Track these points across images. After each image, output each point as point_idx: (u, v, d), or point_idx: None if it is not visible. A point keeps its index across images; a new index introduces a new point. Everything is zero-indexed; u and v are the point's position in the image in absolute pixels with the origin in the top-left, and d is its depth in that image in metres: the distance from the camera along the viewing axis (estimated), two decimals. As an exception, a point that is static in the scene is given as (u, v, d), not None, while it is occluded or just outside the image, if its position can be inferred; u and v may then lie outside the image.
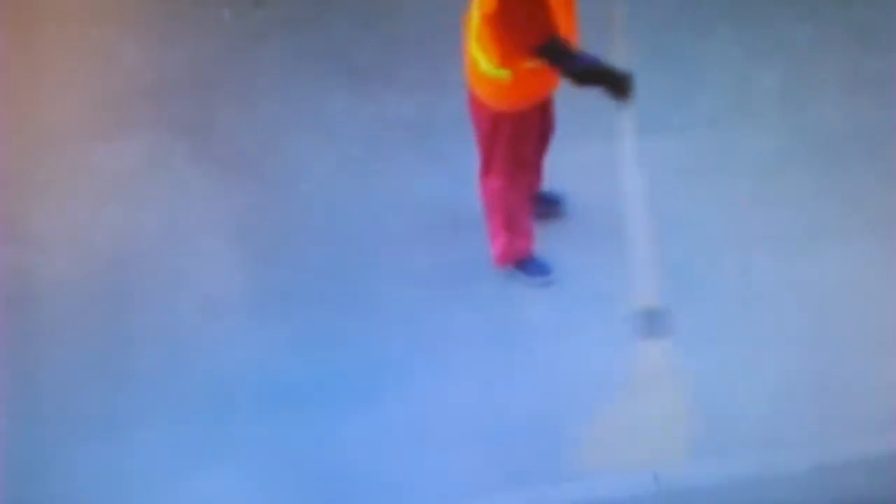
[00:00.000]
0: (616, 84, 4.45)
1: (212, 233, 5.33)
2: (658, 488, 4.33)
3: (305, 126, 5.85)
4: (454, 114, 5.82)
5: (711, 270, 5.05)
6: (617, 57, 4.50)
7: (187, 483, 4.40)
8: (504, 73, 4.60)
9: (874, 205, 5.26)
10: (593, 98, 4.53)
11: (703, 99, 5.81)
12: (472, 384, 4.67)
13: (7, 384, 4.68)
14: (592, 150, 5.18)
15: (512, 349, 4.79)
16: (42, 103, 6.00)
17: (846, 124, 5.65)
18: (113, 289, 5.11)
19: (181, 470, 4.43)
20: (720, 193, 5.40)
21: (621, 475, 4.35)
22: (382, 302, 5.02)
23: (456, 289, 5.04)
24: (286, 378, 4.72)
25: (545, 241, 5.12)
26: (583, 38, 4.65)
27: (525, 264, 5.06)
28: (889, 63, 5.91)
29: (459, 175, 5.53)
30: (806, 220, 5.25)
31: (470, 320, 4.90)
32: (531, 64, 4.53)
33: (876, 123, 5.63)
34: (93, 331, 4.94)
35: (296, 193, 5.52)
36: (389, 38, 6.28)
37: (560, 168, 5.21)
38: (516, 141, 4.78)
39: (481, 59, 4.65)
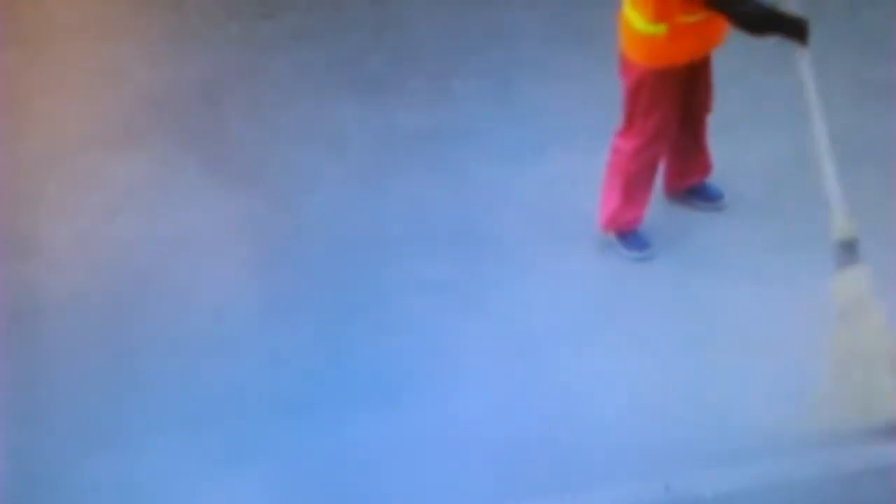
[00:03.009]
0: (794, 28, 4.43)
1: (221, 244, 5.35)
2: (669, 498, 4.33)
3: (314, 137, 5.87)
4: (463, 125, 5.87)
5: (718, 274, 5.06)
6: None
7: (198, 493, 4.39)
8: (660, 29, 4.68)
9: (881, 211, 5.26)
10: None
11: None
12: (480, 394, 4.67)
13: (17, 395, 4.70)
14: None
15: (520, 359, 4.79)
16: (52, 117, 6.03)
17: (853, 131, 5.64)
18: (123, 299, 5.12)
19: (191, 480, 4.43)
20: (726, 198, 5.40)
21: (632, 484, 4.35)
22: (391, 312, 5.03)
23: (464, 299, 5.04)
24: (295, 388, 4.73)
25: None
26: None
27: (627, 236, 5.11)
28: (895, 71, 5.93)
29: (468, 186, 5.56)
30: (812, 225, 5.23)
31: (478, 330, 4.91)
32: (689, 18, 4.62)
33: (882, 131, 5.64)
34: (103, 341, 4.95)
35: (305, 204, 5.53)
36: (398, 49, 6.30)
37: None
38: (658, 100, 4.83)
39: (636, 19, 4.73)
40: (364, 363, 4.82)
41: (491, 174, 5.60)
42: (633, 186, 5.04)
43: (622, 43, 4.87)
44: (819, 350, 4.55)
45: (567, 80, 6.03)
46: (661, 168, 5.22)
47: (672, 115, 4.95)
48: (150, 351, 4.90)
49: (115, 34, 6.54)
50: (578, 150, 5.50)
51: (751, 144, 5.67)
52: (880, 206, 5.27)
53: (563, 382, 4.69)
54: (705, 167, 5.33)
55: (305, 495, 4.39)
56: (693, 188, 5.35)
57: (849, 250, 4.47)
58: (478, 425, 4.56)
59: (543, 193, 5.48)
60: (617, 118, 5.01)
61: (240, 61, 6.33)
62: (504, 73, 6.14)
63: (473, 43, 6.36)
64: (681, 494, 4.34)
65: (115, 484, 4.44)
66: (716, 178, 5.41)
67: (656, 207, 5.28)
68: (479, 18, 6.52)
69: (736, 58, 5.82)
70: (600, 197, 5.15)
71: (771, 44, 4.89)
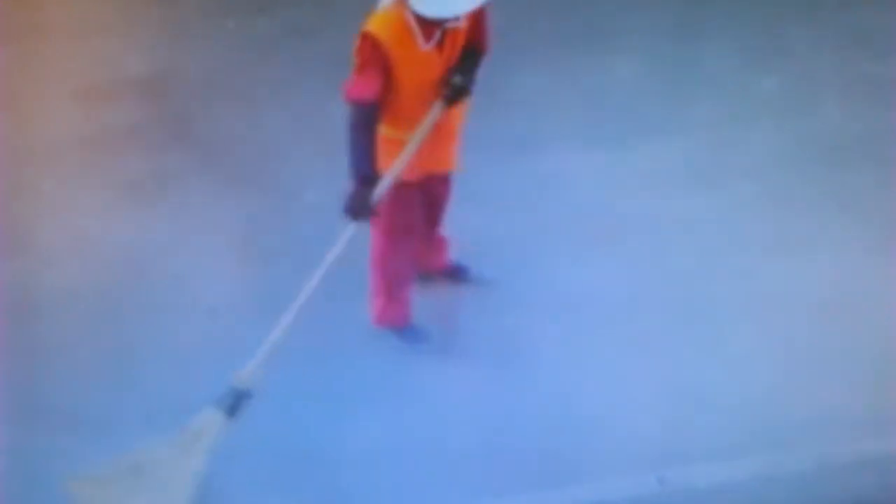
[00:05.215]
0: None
1: (217, 240, 5.36)
2: (662, 490, 4.36)
3: (311, 133, 5.87)
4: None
5: (712, 273, 5.08)
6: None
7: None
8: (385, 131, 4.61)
9: (873, 208, 5.29)
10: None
11: (703, 103, 5.83)
12: (475, 388, 4.69)
13: (13, 392, 4.71)
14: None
15: (515, 356, 4.81)
16: (48, 114, 6.04)
17: (845, 128, 5.68)
18: (119, 296, 5.14)
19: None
20: (720, 197, 5.43)
21: (625, 477, 4.38)
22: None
23: (459, 297, 5.06)
24: (288, 386, 4.72)
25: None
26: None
27: (402, 332, 4.95)
28: (887, 67, 5.95)
29: (461, 182, 5.56)
30: (805, 223, 5.27)
31: (473, 328, 4.93)
32: (392, 132, 4.56)
33: (875, 127, 5.66)
34: (99, 338, 4.96)
35: (301, 201, 5.54)
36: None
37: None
38: (398, 209, 4.68)
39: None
40: (358, 361, 4.84)
41: (483, 170, 5.60)
42: (393, 286, 4.87)
43: None
44: (812, 345, 4.59)
45: (558, 77, 6.05)
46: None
47: (416, 217, 4.81)
48: (146, 348, 4.91)
49: (111, 30, 6.55)
50: (573, 146, 5.51)
51: (737, 140, 5.68)
52: (873, 202, 5.30)
53: (558, 378, 4.71)
54: (443, 257, 5.15)
55: (296, 493, 4.41)
56: (442, 270, 5.18)
57: (238, 400, 4.42)
58: (470, 419, 4.58)
59: (537, 189, 5.49)
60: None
61: (236, 57, 6.34)
62: (496, 70, 6.14)
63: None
64: (674, 487, 4.36)
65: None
66: (705, 176, 5.43)
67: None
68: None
69: (729, 50, 5.86)
70: (369, 292, 4.96)
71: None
